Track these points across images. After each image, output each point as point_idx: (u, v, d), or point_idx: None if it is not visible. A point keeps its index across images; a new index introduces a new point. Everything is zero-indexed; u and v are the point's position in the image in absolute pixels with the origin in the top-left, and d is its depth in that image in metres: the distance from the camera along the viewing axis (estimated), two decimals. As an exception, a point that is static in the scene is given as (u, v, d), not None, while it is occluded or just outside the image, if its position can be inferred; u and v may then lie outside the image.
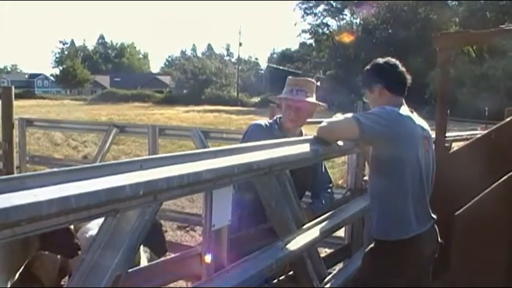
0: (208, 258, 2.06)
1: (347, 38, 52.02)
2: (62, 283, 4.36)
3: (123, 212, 1.63)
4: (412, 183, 2.66)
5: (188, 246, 5.49)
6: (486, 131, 5.04)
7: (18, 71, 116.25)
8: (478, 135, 5.05)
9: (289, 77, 3.62)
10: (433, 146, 2.96)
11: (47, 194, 1.26)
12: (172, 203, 7.57)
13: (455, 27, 42.61)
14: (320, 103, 3.49)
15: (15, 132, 6.50)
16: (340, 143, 2.83)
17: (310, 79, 3.62)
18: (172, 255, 2.70)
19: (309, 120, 3.55)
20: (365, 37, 51.58)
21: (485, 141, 4.46)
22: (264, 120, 3.63)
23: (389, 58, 2.87)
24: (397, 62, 2.84)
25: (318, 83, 3.59)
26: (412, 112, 2.78)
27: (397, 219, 2.69)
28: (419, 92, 30.67)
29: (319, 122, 2.83)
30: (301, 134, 3.48)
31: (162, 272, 2.30)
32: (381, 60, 2.87)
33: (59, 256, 3.78)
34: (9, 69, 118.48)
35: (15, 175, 1.40)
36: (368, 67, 2.89)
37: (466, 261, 3.48)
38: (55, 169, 1.44)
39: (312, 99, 3.43)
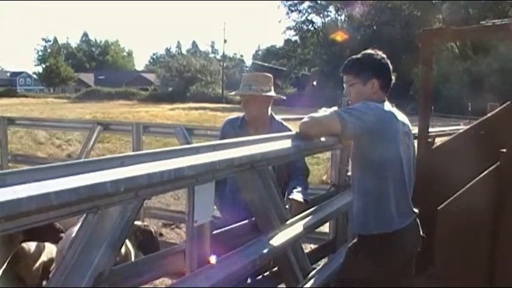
0: (191, 254, 2.07)
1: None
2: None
3: (104, 209, 1.62)
4: (393, 178, 2.68)
5: (173, 244, 5.48)
6: (469, 126, 5.09)
7: (0, 69, 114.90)
8: (461, 131, 5.10)
9: (244, 74, 3.84)
10: (414, 141, 2.98)
11: (26, 190, 1.25)
12: (157, 200, 7.56)
13: (439, 24, 42.91)
14: (274, 95, 3.63)
15: (-3, 131, 6.44)
16: (322, 138, 2.83)
17: (265, 74, 3.75)
18: (157, 252, 2.70)
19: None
20: (350, 34, 51.79)
21: (467, 136, 4.51)
22: (237, 115, 3.79)
23: (381, 53, 2.85)
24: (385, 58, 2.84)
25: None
26: (393, 107, 2.80)
27: (379, 214, 2.71)
28: (403, 89, 30.90)
29: (302, 118, 2.83)
30: (280, 126, 3.58)
31: (146, 269, 2.30)
32: (377, 56, 2.82)
33: (42, 255, 3.76)
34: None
35: (-5, 172, 1.39)
36: (363, 58, 2.84)
37: (449, 255, 3.52)
38: (36, 166, 1.43)
39: (270, 92, 3.58)
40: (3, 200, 1.18)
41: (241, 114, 3.75)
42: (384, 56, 2.84)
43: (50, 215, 1.35)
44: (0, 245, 2.97)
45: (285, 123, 3.68)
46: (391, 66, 2.84)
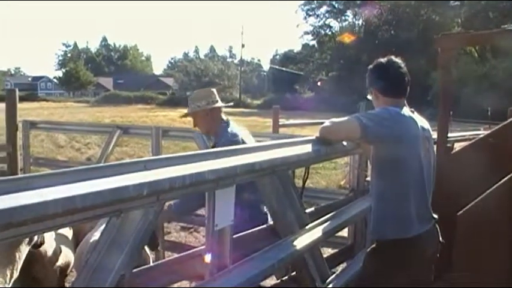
0: (211, 258, 2.08)
1: (347, 39, 52.05)
2: (67, 285, 4.39)
3: (127, 212, 1.65)
4: (413, 183, 2.67)
5: (192, 247, 5.51)
6: (489, 131, 5.05)
7: (22, 73, 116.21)
8: (481, 136, 5.06)
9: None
10: (434, 146, 2.97)
11: (52, 194, 1.27)
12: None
13: (458, 28, 42.54)
14: (208, 107, 3.69)
15: (19, 135, 6.52)
16: (342, 143, 2.84)
17: (204, 89, 3.94)
18: (176, 256, 2.72)
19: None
20: (367, 38, 51.61)
21: (487, 142, 4.47)
22: None
23: (388, 58, 2.85)
24: (394, 63, 2.82)
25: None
26: (413, 112, 2.79)
27: (398, 220, 2.70)
28: (421, 94, 30.62)
29: (322, 123, 2.84)
30: (227, 138, 3.54)
31: (166, 272, 2.32)
32: (376, 62, 2.86)
33: (59, 259, 3.81)
34: (12, 72, 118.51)
35: (22, 175, 1.41)
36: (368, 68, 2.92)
37: (468, 261, 3.49)
38: (60, 169, 1.46)
39: (208, 106, 3.69)
40: (30, 203, 1.21)
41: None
42: (383, 62, 2.83)
43: (75, 217, 1.37)
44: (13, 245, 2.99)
45: (239, 134, 3.62)
46: (393, 70, 2.80)
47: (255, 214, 3.27)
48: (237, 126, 3.73)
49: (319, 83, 59.60)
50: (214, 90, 3.84)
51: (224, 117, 3.74)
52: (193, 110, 3.74)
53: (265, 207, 3.41)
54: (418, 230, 2.68)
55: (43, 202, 1.23)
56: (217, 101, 3.73)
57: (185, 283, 3.58)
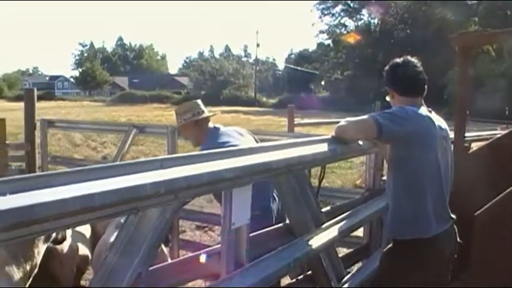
0: (227, 256, 2.08)
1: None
2: (82, 282, 4.44)
3: (144, 211, 1.65)
4: (430, 182, 2.65)
5: (206, 246, 5.53)
6: (506, 131, 5.00)
7: (40, 73, 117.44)
8: (498, 136, 5.01)
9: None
10: (451, 145, 2.95)
11: (71, 191, 1.29)
12: (191, 202, 7.59)
13: (474, 26, 42.08)
14: (193, 119, 3.73)
15: (37, 133, 6.58)
16: (358, 142, 2.83)
17: (187, 102, 3.97)
18: (192, 254, 2.73)
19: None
20: (383, 37, 51.31)
21: (504, 142, 4.43)
22: None
23: (403, 58, 2.85)
24: (410, 62, 2.82)
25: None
26: (430, 112, 2.77)
27: (416, 220, 2.68)
28: (437, 93, 30.37)
29: (337, 122, 2.84)
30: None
31: (182, 271, 2.32)
32: (392, 63, 2.87)
33: (76, 256, 3.85)
34: (30, 71, 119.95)
35: (41, 173, 1.43)
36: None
37: (486, 262, 3.46)
38: (78, 168, 1.47)
39: (193, 118, 3.73)
40: (49, 200, 1.22)
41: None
42: (398, 62, 2.85)
43: (93, 215, 1.38)
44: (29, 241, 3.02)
45: (228, 142, 3.59)
46: (408, 70, 2.81)
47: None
48: (228, 132, 3.73)
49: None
50: (199, 101, 3.86)
51: (212, 125, 3.76)
52: (180, 123, 3.80)
53: (273, 206, 3.42)
54: (436, 230, 2.66)
55: (62, 200, 1.24)
56: (203, 112, 3.76)
57: (199, 282, 3.59)
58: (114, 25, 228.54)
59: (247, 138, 3.72)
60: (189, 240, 6.84)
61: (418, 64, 2.82)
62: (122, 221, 1.99)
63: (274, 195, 3.41)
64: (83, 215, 1.33)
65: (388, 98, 2.91)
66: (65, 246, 3.66)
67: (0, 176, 1.35)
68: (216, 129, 3.73)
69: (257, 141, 3.71)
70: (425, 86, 2.82)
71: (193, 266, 2.38)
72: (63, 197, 1.26)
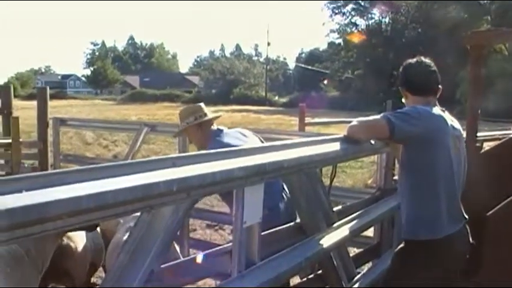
0: (239, 255, 2.09)
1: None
2: (93, 280, 4.46)
3: (157, 208, 1.66)
4: (444, 182, 2.64)
5: (217, 245, 5.55)
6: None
7: (52, 72, 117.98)
8: (511, 135, 4.97)
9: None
10: (464, 145, 2.93)
11: (85, 189, 1.29)
12: (202, 201, 7.62)
13: (487, 25, 41.74)
14: (195, 123, 3.71)
15: (50, 132, 6.63)
16: (370, 142, 2.82)
17: (188, 106, 3.99)
18: (203, 252, 2.73)
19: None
20: (394, 36, 51.07)
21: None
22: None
23: (416, 58, 2.86)
24: (422, 62, 2.83)
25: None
26: (443, 111, 2.76)
27: (429, 220, 2.67)
28: (449, 92, 30.16)
29: (348, 122, 2.83)
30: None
31: (193, 269, 2.33)
32: (405, 63, 2.88)
33: (90, 253, 3.86)
34: (43, 70, 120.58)
35: (55, 171, 1.44)
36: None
37: (498, 262, 3.44)
38: (91, 166, 1.48)
39: (189, 124, 3.72)
40: (64, 198, 1.23)
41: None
42: (411, 61, 2.86)
43: (107, 213, 1.39)
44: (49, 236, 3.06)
45: (231, 144, 3.56)
46: (420, 69, 2.82)
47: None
48: (232, 134, 3.73)
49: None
50: (201, 104, 3.86)
51: (215, 127, 3.75)
52: (183, 127, 3.79)
53: (281, 206, 3.41)
54: (448, 230, 2.65)
55: (76, 197, 1.25)
56: (205, 115, 3.74)
57: (209, 280, 3.60)
58: (125, 24, 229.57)
59: (251, 139, 3.70)
60: (200, 239, 6.86)
61: (432, 64, 2.82)
62: (132, 224, 2.01)
63: (283, 194, 3.41)
64: (96, 212, 1.34)
65: (404, 100, 2.91)
66: (78, 242, 3.68)
67: (14, 174, 1.36)
68: (220, 131, 3.72)
69: (262, 142, 3.70)
70: (439, 86, 2.81)
71: (205, 264, 2.39)
72: (77, 194, 1.26)
